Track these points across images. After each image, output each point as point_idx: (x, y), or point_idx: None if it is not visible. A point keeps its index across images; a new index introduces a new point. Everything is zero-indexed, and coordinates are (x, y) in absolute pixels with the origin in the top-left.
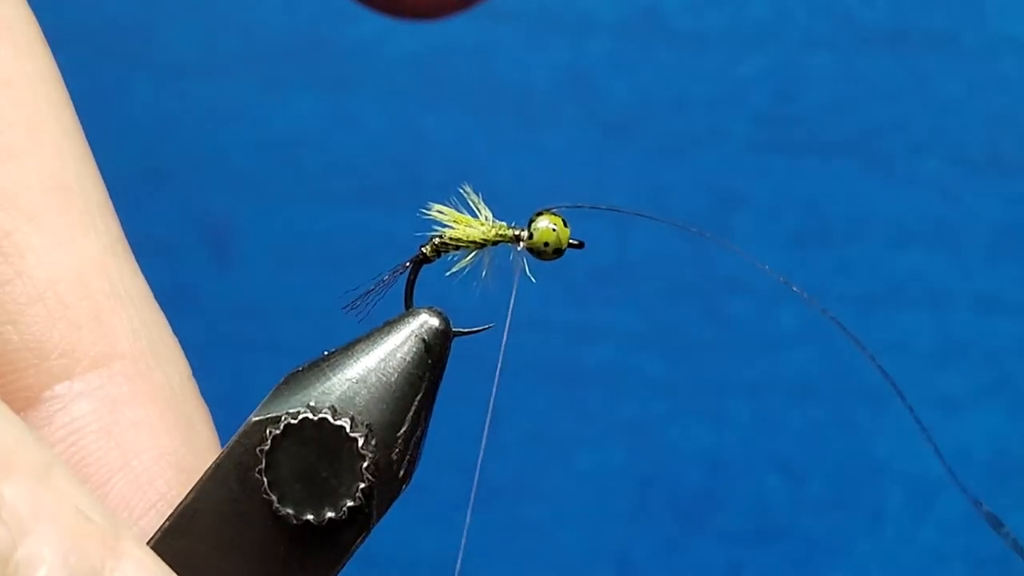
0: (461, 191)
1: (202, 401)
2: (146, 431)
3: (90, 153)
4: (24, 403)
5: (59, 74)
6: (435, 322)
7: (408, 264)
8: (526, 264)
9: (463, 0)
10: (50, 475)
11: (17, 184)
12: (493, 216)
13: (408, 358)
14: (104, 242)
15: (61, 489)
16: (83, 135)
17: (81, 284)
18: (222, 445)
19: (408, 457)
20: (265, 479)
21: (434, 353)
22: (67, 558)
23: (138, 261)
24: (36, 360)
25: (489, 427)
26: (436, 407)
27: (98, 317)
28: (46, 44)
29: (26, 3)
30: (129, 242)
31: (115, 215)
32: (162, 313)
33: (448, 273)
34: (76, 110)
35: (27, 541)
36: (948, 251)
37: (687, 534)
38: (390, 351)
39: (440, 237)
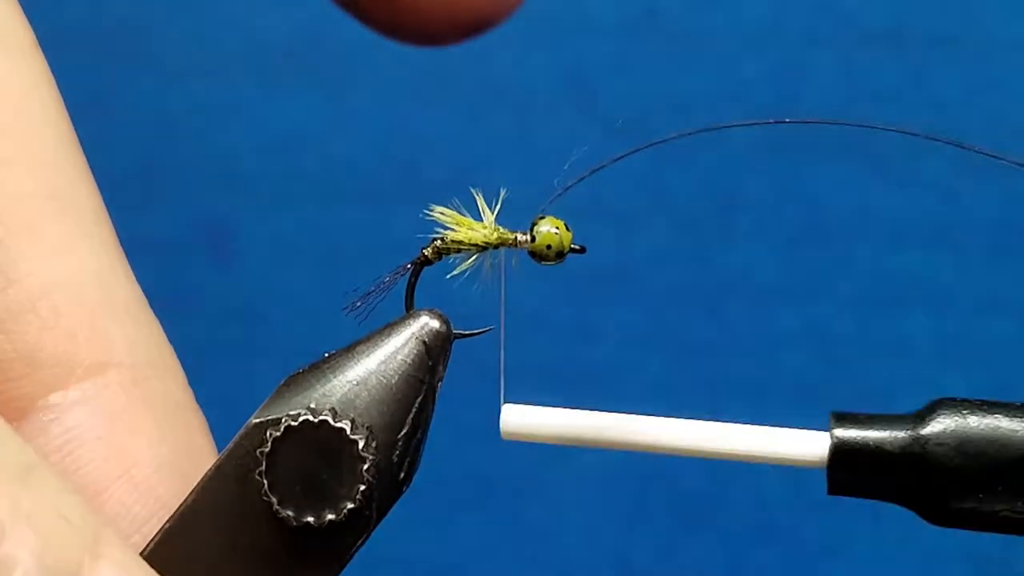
0: (472, 193)
1: (199, 409)
2: (144, 439)
3: (85, 161)
4: (18, 413)
5: (53, 81)
6: (436, 324)
7: (409, 266)
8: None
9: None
10: (30, 476)
11: (10, 193)
12: (496, 219)
13: (409, 360)
14: (99, 250)
15: (41, 490)
16: (77, 143)
17: (75, 293)
18: (220, 451)
19: (409, 459)
20: (265, 481)
21: (435, 355)
22: (43, 559)
23: (137, 262)
24: (30, 369)
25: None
26: (436, 409)
27: (93, 326)
28: (40, 51)
29: (20, 9)
30: (128, 243)
31: (110, 223)
32: (157, 321)
33: (449, 276)
34: (76, 111)
35: (3, 542)
36: (948, 251)
37: (687, 534)
38: (391, 353)
39: (442, 240)
